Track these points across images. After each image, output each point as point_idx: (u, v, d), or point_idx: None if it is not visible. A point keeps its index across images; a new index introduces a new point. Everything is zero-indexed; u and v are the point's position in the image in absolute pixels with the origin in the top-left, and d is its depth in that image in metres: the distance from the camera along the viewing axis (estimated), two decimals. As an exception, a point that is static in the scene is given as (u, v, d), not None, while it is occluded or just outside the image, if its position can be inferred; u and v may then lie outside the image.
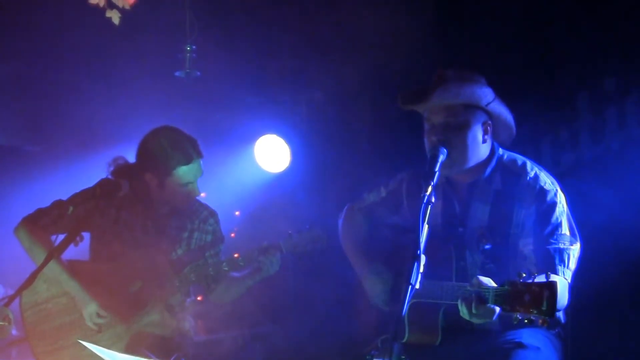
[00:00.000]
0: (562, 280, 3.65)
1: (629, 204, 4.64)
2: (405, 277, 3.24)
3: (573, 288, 3.76)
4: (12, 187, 5.75)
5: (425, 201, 3.38)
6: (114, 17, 4.47)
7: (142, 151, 4.58)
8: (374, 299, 4.09)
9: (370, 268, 4.11)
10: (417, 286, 3.21)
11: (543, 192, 3.82)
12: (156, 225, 4.66)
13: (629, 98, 4.81)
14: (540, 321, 3.29)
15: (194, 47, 5.32)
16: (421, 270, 3.23)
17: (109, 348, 3.82)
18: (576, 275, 3.78)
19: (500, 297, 3.39)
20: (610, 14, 4.72)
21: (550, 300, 3.25)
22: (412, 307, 3.30)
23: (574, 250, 3.76)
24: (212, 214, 4.79)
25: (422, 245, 3.26)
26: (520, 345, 3.76)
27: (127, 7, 4.45)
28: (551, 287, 3.26)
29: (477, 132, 3.86)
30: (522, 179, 3.88)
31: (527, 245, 3.79)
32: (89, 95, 5.93)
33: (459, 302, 3.50)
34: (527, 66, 5.02)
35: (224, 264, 4.54)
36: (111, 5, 4.43)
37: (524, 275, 3.34)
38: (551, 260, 3.69)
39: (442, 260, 3.76)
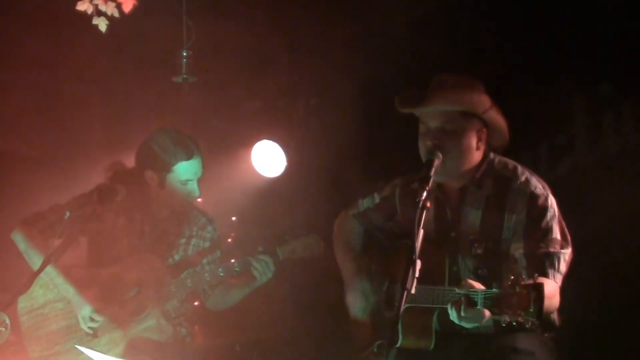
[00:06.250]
0: (552, 284, 3.65)
1: (625, 209, 4.64)
2: (400, 282, 3.25)
3: (569, 292, 3.76)
4: (8, 191, 5.73)
5: (420, 206, 3.39)
6: (101, 24, 4.46)
7: (143, 149, 4.59)
8: (352, 313, 4.12)
9: (356, 283, 4.14)
10: (413, 291, 3.23)
11: (534, 196, 3.81)
12: (154, 230, 4.67)
13: (627, 103, 4.81)
14: (528, 324, 3.28)
15: (190, 52, 5.32)
16: (416, 275, 3.23)
17: (105, 353, 3.84)
18: (572, 279, 3.78)
19: (488, 299, 3.38)
20: (607, 17, 4.72)
21: (537, 302, 3.23)
22: (406, 311, 3.30)
23: (565, 255, 3.75)
24: (211, 220, 4.80)
25: (417, 250, 3.27)
26: (515, 350, 3.77)
27: (117, 15, 4.43)
28: (538, 289, 3.25)
29: (472, 139, 3.86)
30: (512, 183, 3.87)
31: (517, 250, 3.77)
32: (86, 100, 5.94)
33: (448, 306, 3.50)
34: (524, 70, 5.01)
35: (220, 269, 4.54)
36: (99, 13, 4.41)
37: (512, 278, 3.33)
38: (542, 264, 3.68)
39: (435, 265, 3.76)
